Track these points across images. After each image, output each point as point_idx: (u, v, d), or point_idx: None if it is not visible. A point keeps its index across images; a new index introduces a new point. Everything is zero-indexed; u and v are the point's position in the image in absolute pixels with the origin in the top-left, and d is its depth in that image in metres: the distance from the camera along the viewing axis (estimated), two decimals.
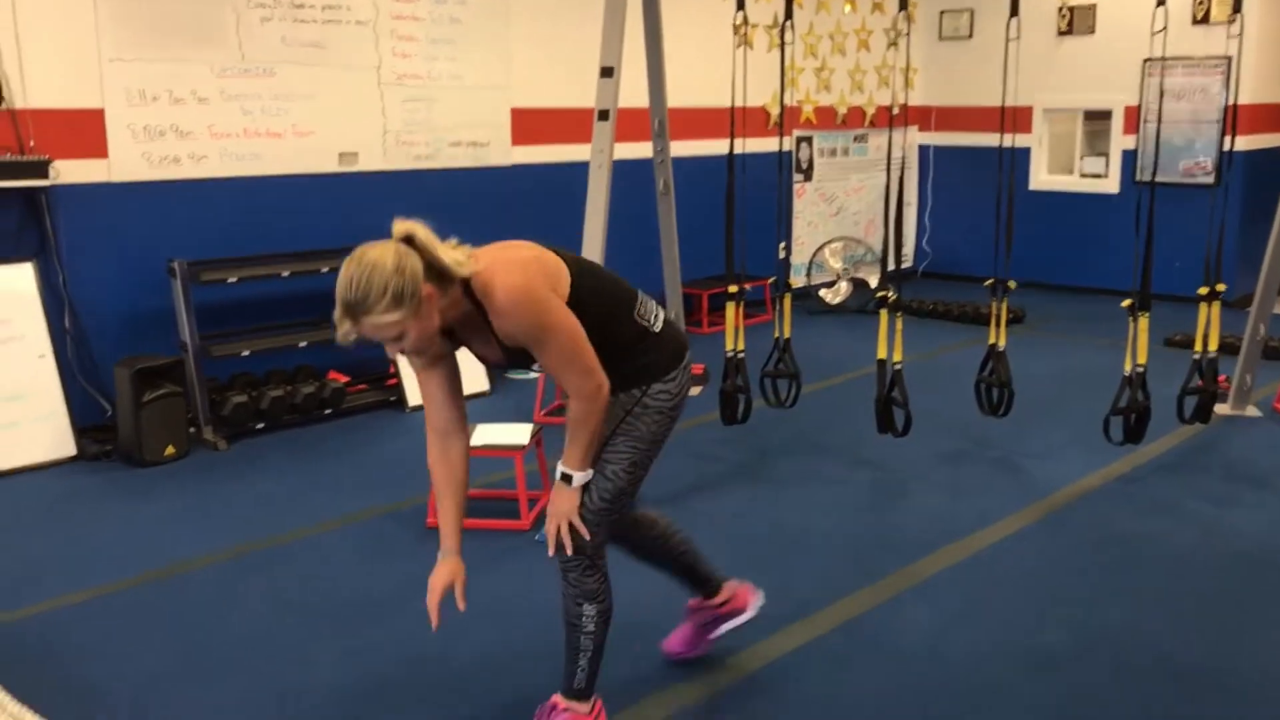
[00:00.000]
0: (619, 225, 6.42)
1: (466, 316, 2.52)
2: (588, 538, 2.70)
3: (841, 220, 9.43)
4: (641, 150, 6.33)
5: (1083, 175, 9.37)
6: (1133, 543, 4.17)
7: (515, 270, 2.48)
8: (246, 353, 5.56)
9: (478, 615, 3.44)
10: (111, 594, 3.81)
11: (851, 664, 3.28)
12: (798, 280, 8.61)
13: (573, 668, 2.82)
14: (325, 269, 5.90)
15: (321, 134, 6.22)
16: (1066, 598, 3.72)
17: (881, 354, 4.94)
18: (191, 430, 5.47)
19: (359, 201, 6.43)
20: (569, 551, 2.69)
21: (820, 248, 8.80)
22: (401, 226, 2.39)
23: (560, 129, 7.34)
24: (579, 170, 5.13)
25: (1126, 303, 4.76)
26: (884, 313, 4.92)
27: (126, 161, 5.53)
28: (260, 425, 5.62)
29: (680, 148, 6.30)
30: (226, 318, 5.83)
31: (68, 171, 5.31)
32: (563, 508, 2.70)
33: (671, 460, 4.61)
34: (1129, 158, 9.04)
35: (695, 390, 6.32)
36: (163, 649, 3.42)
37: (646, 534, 3.10)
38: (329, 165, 6.29)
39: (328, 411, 5.85)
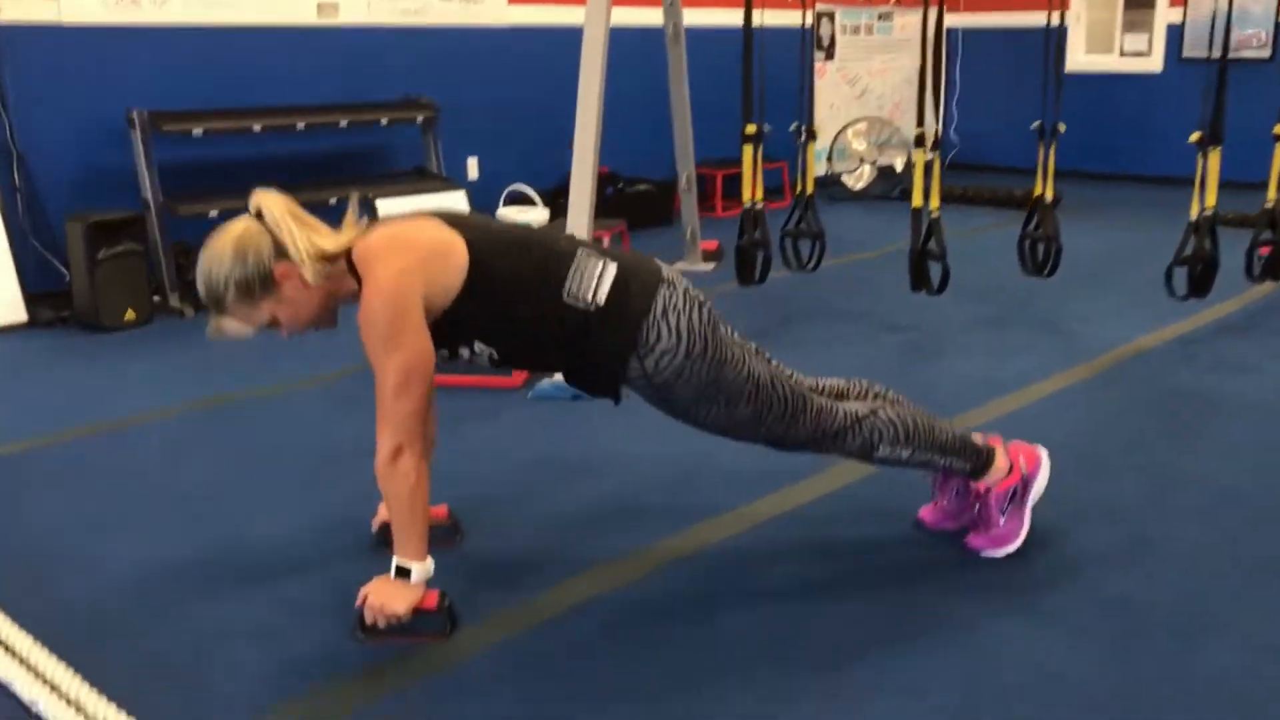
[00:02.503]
0: (626, 104, 5.91)
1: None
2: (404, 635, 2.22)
3: (865, 103, 8.84)
4: (651, 17, 5.76)
5: (1123, 54, 8.75)
6: (1203, 396, 3.69)
7: (396, 263, 2.13)
8: (215, 213, 5.05)
9: (469, 463, 3.13)
10: (55, 445, 3.39)
11: (887, 514, 2.80)
12: (819, 166, 8.06)
13: (959, 468, 2.53)
14: (301, 125, 5.40)
15: None
16: (1130, 449, 3.24)
17: (917, 202, 4.43)
18: (156, 299, 5.00)
19: (339, 59, 5.90)
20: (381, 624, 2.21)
21: (843, 129, 8.22)
22: (255, 199, 2.19)
23: None
24: (580, 36, 4.59)
25: (1195, 136, 4.22)
26: (919, 154, 4.40)
27: (79, 1, 5.01)
28: None
29: (692, 16, 5.73)
30: (194, 179, 5.33)
31: (11, 8, 4.79)
32: (386, 601, 2.20)
33: None
34: (1174, 33, 8.41)
35: (709, 266, 5.83)
36: (108, 497, 3.01)
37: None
38: (306, 17, 5.75)
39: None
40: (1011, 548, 2.56)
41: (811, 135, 4.76)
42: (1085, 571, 2.50)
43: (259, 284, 2.15)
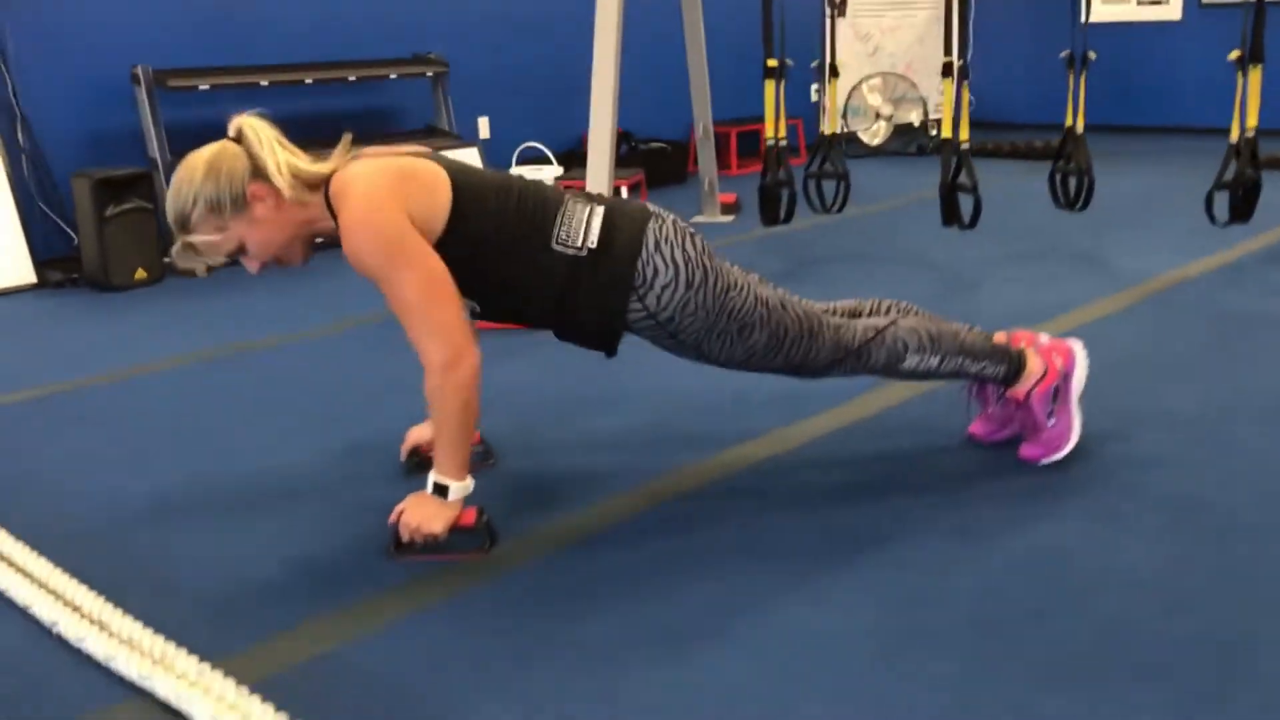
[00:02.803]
0: (638, 64, 5.75)
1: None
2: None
3: (878, 61, 8.68)
4: None
5: (1140, 3, 8.58)
6: (1255, 316, 3.56)
7: (373, 185, 2.03)
8: None
9: (500, 395, 2.97)
10: (72, 390, 3.29)
11: (936, 430, 2.68)
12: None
13: (992, 373, 2.40)
14: (309, 80, 5.28)
15: None
16: (1184, 363, 3.12)
17: (946, 132, 4.30)
18: (166, 260, 4.89)
19: (348, 16, 5.77)
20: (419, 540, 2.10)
21: (858, 84, 8.06)
22: (235, 121, 2.09)
23: None
24: None
25: (1234, 54, 4.07)
26: (948, 84, 4.26)
27: None
28: None
29: None
30: (201, 139, 5.20)
31: None
32: (423, 520, 2.07)
33: None
34: None
35: (728, 218, 5.70)
36: (128, 436, 2.91)
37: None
38: None
39: (319, 240, 5.24)
40: (1066, 449, 2.44)
41: (834, 71, 4.63)
42: (1152, 475, 2.38)
43: (230, 202, 2.03)
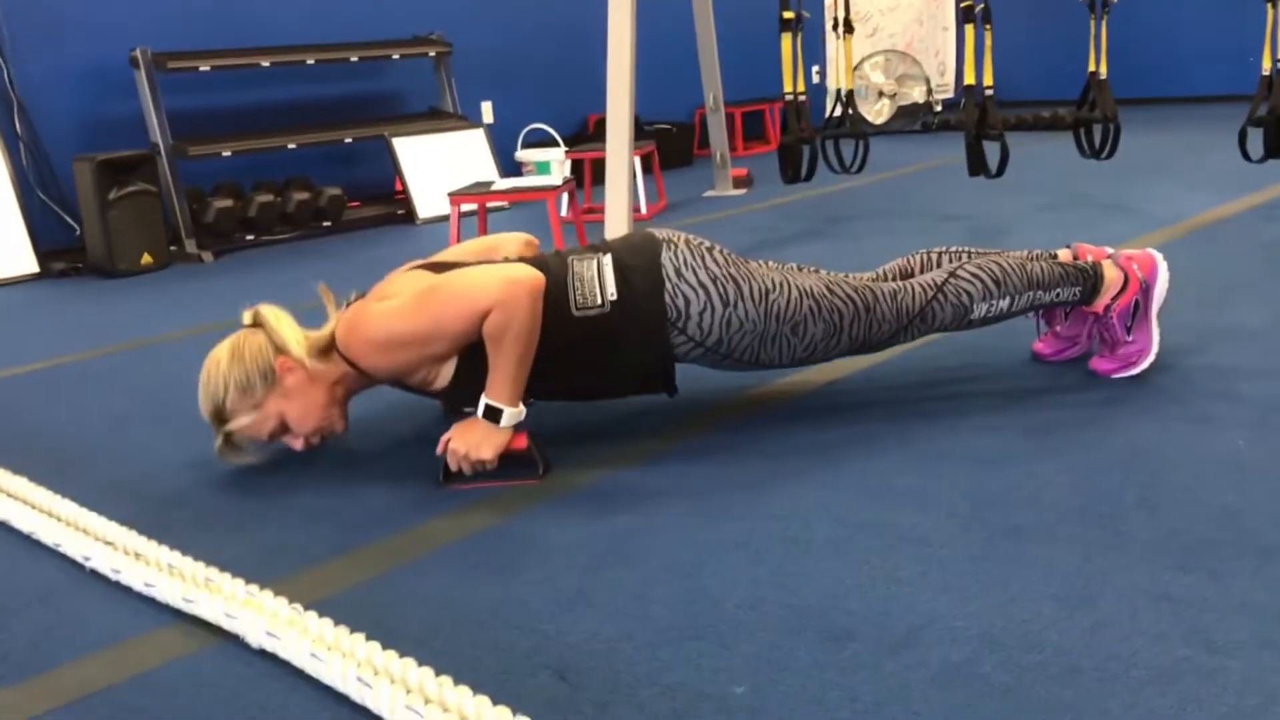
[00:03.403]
0: (643, 47, 5.66)
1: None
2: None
3: (877, 42, 8.61)
4: None
5: None
6: None
7: (364, 304, 2.08)
8: (228, 153, 4.83)
9: None
10: (87, 360, 3.21)
11: (995, 350, 2.57)
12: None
13: (1068, 297, 2.27)
14: (311, 60, 5.16)
15: None
16: (1241, 287, 3.01)
17: (970, 79, 4.19)
18: (173, 248, 4.77)
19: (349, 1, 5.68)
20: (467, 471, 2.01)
21: (859, 64, 7.98)
22: (249, 311, 2.12)
23: None
24: None
25: None
26: (969, 29, 4.15)
27: None
28: (249, 237, 4.91)
29: None
30: (205, 124, 5.10)
31: None
32: (472, 447, 1.97)
33: (719, 238, 3.95)
34: None
35: (740, 191, 5.60)
36: (150, 398, 2.80)
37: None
38: None
39: (326, 224, 5.13)
40: (1143, 365, 2.31)
41: (849, 27, 4.53)
42: (1236, 381, 2.26)
43: (260, 380, 2.02)
